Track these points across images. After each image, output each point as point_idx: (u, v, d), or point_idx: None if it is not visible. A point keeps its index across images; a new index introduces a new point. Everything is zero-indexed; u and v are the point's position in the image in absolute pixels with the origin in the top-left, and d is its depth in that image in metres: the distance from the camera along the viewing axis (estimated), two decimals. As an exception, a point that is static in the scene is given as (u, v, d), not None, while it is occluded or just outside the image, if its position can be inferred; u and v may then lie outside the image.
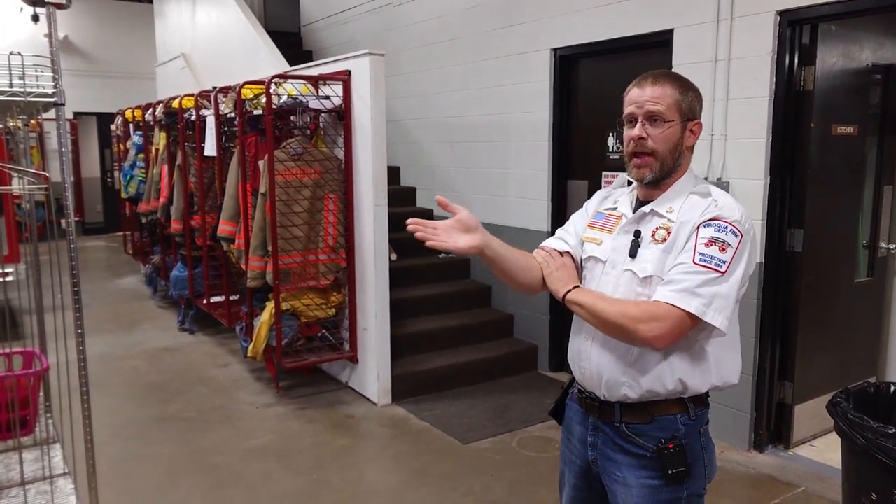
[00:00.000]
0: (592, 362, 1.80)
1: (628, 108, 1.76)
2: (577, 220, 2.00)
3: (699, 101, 1.77)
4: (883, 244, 4.28)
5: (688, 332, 1.65)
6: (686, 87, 1.74)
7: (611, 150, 4.75)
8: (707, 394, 1.79)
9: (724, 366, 1.76)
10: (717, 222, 1.65)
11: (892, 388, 2.89)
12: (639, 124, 1.72)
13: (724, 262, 1.62)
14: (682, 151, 1.75)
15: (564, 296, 1.78)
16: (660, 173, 1.74)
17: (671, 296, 1.62)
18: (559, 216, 5.12)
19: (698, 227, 1.66)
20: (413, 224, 1.73)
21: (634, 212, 1.81)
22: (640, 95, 1.72)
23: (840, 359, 4.16)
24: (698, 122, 1.77)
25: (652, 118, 1.71)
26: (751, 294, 3.74)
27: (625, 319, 1.64)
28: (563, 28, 4.86)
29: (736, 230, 1.64)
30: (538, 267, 1.89)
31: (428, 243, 1.73)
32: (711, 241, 1.63)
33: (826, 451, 3.88)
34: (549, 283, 1.85)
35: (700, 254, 1.63)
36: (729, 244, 1.63)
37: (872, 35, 3.95)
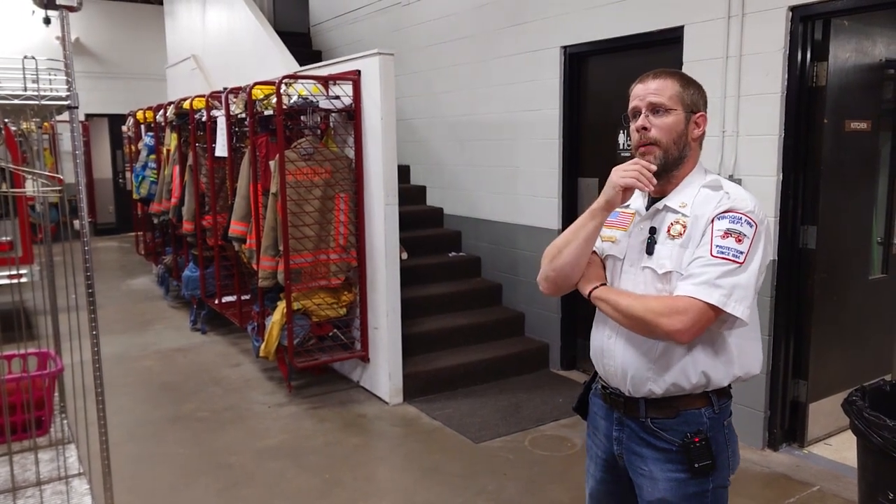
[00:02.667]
0: (617, 359, 1.82)
1: (632, 103, 1.81)
2: None
3: (702, 96, 1.81)
4: (897, 240, 4.25)
5: (710, 325, 1.67)
6: (687, 82, 1.79)
7: (621, 147, 4.73)
8: (730, 385, 1.82)
9: (747, 356, 1.78)
10: (731, 214, 1.68)
11: (908, 386, 2.87)
12: (642, 115, 1.77)
13: (742, 252, 1.65)
14: (688, 143, 1.78)
15: (590, 293, 1.82)
16: (664, 161, 1.76)
17: (692, 289, 1.65)
18: (569, 214, 5.11)
19: (713, 220, 1.69)
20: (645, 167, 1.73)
21: (648, 208, 1.83)
22: (643, 89, 1.79)
23: (854, 357, 4.12)
24: (702, 114, 1.80)
25: (654, 109, 1.76)
26: (764, 291, 3.72)
27: (648, 314, 1.67)
28: (573, 26, 4.84)
29: (750, 220, 1.67)
30: None
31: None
32: (727, 233, 1.66)
33: (841, 450, 3.86)
34: (578, 284, 1.89)
35: (717, 246, 1.65)
36: (745, 235, 1.66)
37: (885, 30, 3.91)
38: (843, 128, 3.79)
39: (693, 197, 1.75)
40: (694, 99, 1.77)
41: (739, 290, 1.64)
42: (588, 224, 1.82)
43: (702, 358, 1.73)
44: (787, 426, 3.95)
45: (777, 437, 3.91)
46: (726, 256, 1.64)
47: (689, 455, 1.74)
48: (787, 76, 3.63)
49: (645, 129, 1.76)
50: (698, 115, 1.78)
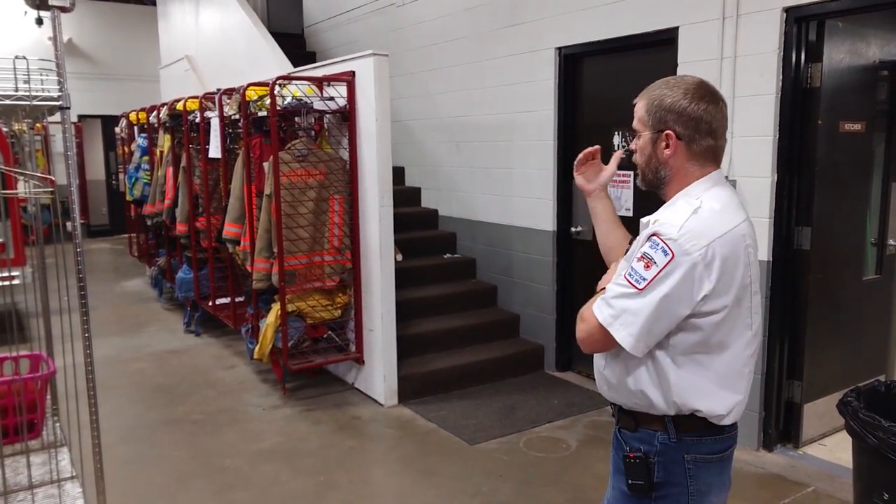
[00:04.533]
0: (595, 360, 1.89)
1: None
2: None
3: (673, 112, 1.66)
4: (891, 241, 4.26)
5: (606, 343, 1.66)
6: (653, 101, 1.70)
7: (616, 148, 4.73)
8: (704, 425, 1.71)
9: (693, 392, 1.67)
10: (653, 238, 1.60)
11: (903, 387, 2.88)
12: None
13: (644, 279, 1.58)
14: (661, 163, 1.71)
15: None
16: (644, 184, 1.79)
17: (595, 302, 1.68)
18: (565, 215, 5.11)
19: (644, 241, 1.65)
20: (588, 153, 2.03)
21: None
22: None
23: (849, 357, 4.13)
24: (668, 132, 1.67)
25: (635, 133, 1.78)
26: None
27: (577, 318, 1.73)
28: (568, 27, 4.84)
29: (667, 249, 1.57)
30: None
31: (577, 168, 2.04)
32: (642, 257, 1.60)
33: (836, 450, 3.86)
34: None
35: (631, 267, 1.62)
36: (655, 262, 1.58)
37: (879, 31, 3.92)
38: (838, 129, 3.80)
39: (671, 215, 1.66)
40: (659, 117, 1.68)
41: (627, 315, 1.60)
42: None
43: (639, 375, 1.70)
44: (782, 427, 3.96)
45: (772, 438, 3.91)
46: (630, 279, 1.60)
47: (626, 469, 1.74)
48: (781, 77, 3.64)
49: (632, 151, 1.80)
50: (664, 132, 1.68)
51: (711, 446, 1.73)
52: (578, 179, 2.02)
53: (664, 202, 1.76)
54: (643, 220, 1.75)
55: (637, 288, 1.59)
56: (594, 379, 1.94)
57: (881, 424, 2.48)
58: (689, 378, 1.66)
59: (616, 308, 1.61)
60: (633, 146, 1.79)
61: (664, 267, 1.57)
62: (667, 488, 1.72)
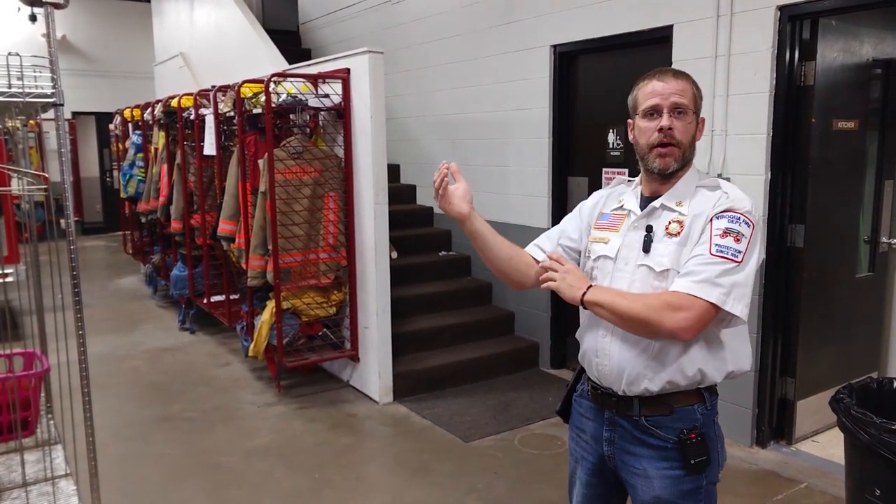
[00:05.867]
0: (613, 359, 1.80)
1: (651, 100, 1.75)
2: (566, 224, 2.03)
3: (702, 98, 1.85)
4: (884, 239, 4.27)
5: (710, 322, 1.68)
6: (696, 85, 1.81)
7: (611, 146, 4.73)
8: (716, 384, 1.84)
9: (738, 353, 1.81)
10: (730, 213, 1.70)
11: (895, 384, 2.89)
12: (666, 115, 1.74)
13: (740, 251, 1.67)
14: (694, 145, 1.81)
15: (582, 299, 1.76)
16: (680, 164, 1.78)
17: (692, 286, 1.65)
18: (559, 213, 5.11)
19: (712, 220, 1.70)
20: (439, 174, 1.90)
21: (643, 208, 1.83)
22: (665, 88, 1.74)
23: (842, 354, 4.15)
24: (703, 118, 1.84)
25: (678, 110, 1.74)
26: (753, 290, 3.74)
27: (650, 312, 1.66)
28: (563, 24, 4.84)
29: (748, 221, 1.69)
30: (526, 263, 1.97)
31: (436, 185, 1.92)
32: (726, 232, 1.68)
33: (828, 447, 3.88)
34: (561, 293, 1.80)
35: (716, 245, 1.67)
36: (743, 234, 1.68)
37: (872, 30, 3.94)
38: (831, 127, 3.82)
39: (690, 196, 1.77)
40: (700, 102, 1.80)
41: (738, 288, 1.66)
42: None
43: (698, 355, 1.74)
44: (775, 423, 3.98)
45: (765, 435, 3.92)
46: (725, 255, 1.66)
47: (685, 451, 1.75)
48: (775, 75, 3.65)
49: (671, 129, 1.73)
50: (701, 118, 1.82)
51: (717, 401, 1.86)
52: (449, 209, 1.93)
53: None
54: (655, 203, 1.80)
55: (736, 261, 1.66)
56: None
57: (873, 421, 2.49)
58: (731, 343, 1.78)
59: (726, 285, 1.65)
60: (668, 123, 1.73)
61: (751, 237, 1.69)
62: (711, 455, 1.79)
